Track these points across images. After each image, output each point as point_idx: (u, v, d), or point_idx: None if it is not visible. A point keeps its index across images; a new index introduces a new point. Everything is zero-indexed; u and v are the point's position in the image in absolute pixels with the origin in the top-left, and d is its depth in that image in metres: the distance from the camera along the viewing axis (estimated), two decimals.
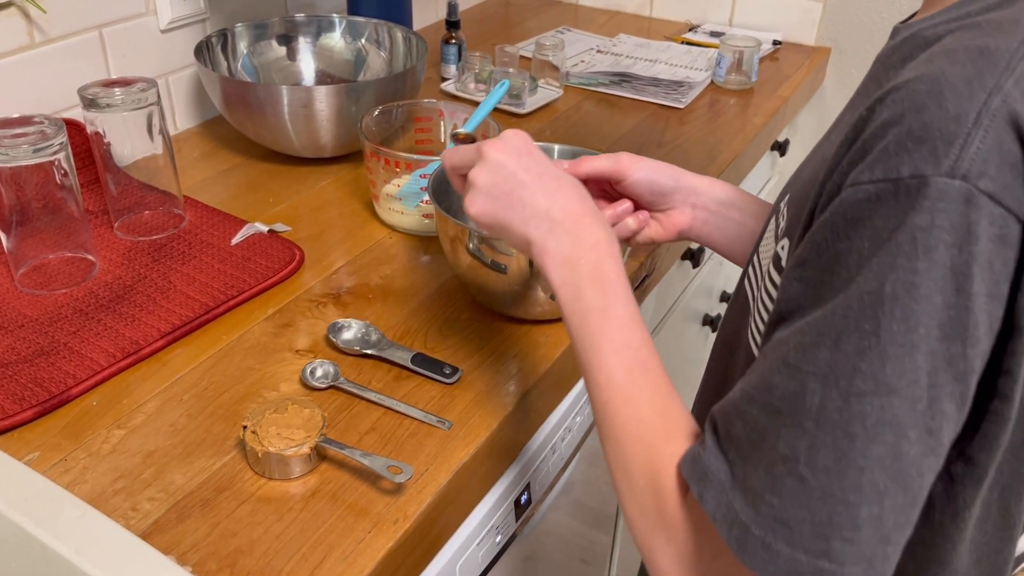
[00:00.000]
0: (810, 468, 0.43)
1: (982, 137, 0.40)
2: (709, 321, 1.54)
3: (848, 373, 0.42)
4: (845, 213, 0.43)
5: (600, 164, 0.77)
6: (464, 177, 0.69)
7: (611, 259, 0.61)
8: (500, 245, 0.82)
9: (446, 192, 0.92)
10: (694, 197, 0.78)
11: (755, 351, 0.59)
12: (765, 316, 0.56)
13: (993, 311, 0.42)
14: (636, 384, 0.56)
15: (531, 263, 0.81)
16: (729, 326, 0.69)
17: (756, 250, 0.64)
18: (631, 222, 0.78)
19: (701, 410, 0.74)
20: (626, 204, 0.77)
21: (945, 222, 0.40)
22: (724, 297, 1.61)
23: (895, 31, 0.56)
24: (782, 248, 0.55)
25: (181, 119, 1.25)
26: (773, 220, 0.61)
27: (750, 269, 0.65)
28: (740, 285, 0.68)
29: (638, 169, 0.76)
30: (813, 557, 0.43)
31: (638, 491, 0.54)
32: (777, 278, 0.55)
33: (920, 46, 0.49)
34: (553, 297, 0.82)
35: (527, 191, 0.62)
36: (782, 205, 0.60)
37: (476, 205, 0.64)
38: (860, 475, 0.42)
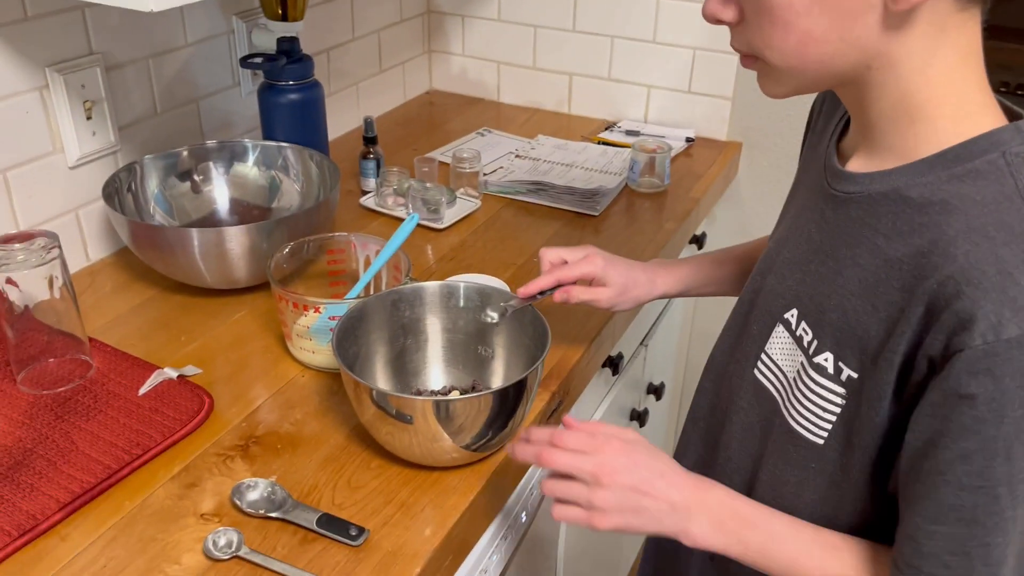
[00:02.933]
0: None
1: None
2: (636, 416, 1.56)
3: None
4: (968, 368, 0.57)
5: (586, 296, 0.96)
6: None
7: (736, 501, 0.73)
8: (405, 396, 0.82)
9: (353, 337, 0.92)
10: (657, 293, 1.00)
11: (807, 436, 0.72)
12: (809, 407, 0.71)
13: None
14: (843, 562, 0.69)
15: (436, 415, 0.82)
16: (737, 411, 0.80)
17: (765, 349, 0.76)
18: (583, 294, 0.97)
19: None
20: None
21: None
22: (651, 389, 1.63)
23: (846, 176, 0.68)
24: (825, 360, 0.69)
25: (94, 250, 1.24)
26: (783, 329, 0.74)
27: (761, 366, 0.77)
28: (754, 383, 0.78)
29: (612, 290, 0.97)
30: None
31: None
32: (823, 381, 0.69)
33: (911, 206, 0.63)
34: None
35: (647, 498, 0.72)
36: (789, 318, 0.73)
37: (607, 522, 0.72)
38: None
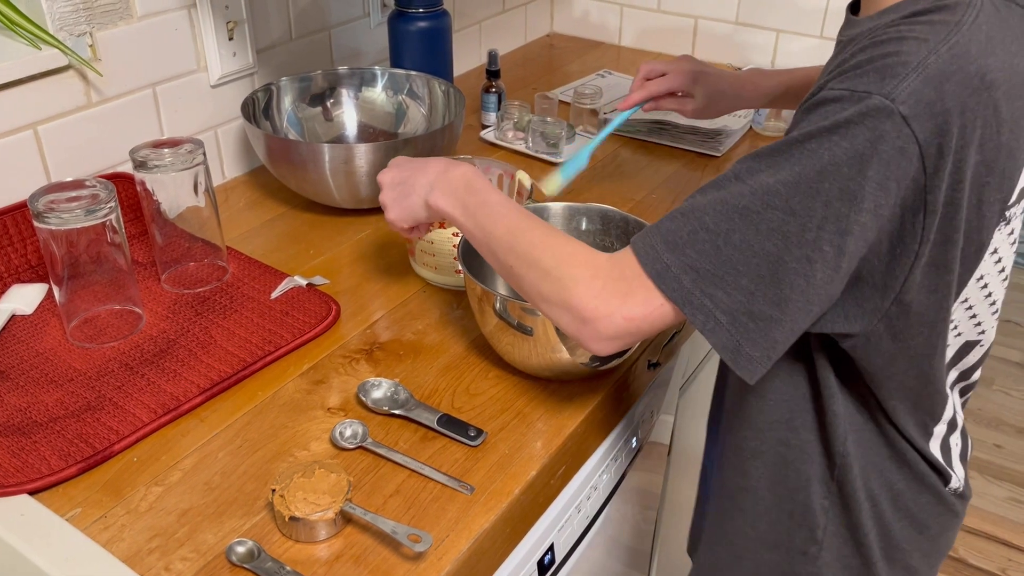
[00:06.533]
0: (725, 242, 0.63)
1: (915, 79, 0.59)
2: None
3: (772, 191, 0.62)
4: (815, 101, 0.63)
5: (636, 98, 1.11)
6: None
7: (476, 178, 0.81)
8: (527, 307, 0.83)
9: (476, 252, 0.94)
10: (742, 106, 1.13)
11: None
12: None
13: (880, 200, 0.61)
14: (533, 229, 0.74)
15: (557, 327, 0.83)
16: None
17: None
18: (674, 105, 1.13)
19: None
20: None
21: (870, 123, 0.59)
22: None
23: (851, 22, 0.73)
24: None
25: (229, 168, 1.30)
26: None
27: None
28: None
29: (660, 88, 1.10)
30: (705, 297, 0.64)
31: (554, 275, 0.71)
32: None
33: (875, 40, 0.64)
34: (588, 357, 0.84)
35: (410, 179, 0.85)
36: None
37: (394, 213, 0.87)
38: (750, 257, 0.63)
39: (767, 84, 1.11)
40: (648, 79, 1.10)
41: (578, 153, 1.08)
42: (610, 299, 0.68)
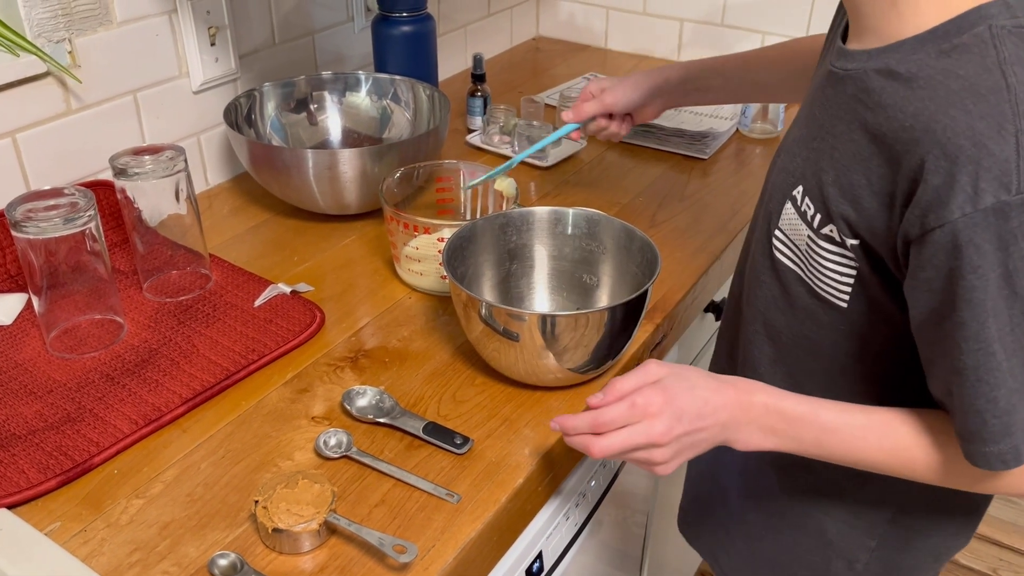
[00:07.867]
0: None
1: None
2: None
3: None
4: (952, 241, 0.60)
5: (591, 110, 1.08)
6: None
7: (780, 402, 0.73)
8: (513, 313, 0.83)
9: (461, 258, 0.93)
10: (660, 96, 1.09)
11: (832, 300, 0.74)
12: (827, 274, 0.73)
13: None
14: (897, 436, 0.71)
15: (543, 332, 0.82)
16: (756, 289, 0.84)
17: (778, 226, 0.78)
18: (614, 128, 1.11)
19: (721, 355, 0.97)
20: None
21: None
22: None
23: (846, 54, 0.70)
24: (830, 231, 0.71)
25: (213, 175, 1.29)
26: (790, 205, 0.76)
27: (776, 243, 0.79)
28: (771, 258, 0.80)
29: (618, 104, 1.08)
30: None
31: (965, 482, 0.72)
32: (834, 248, 0.71)
33: (899, 81, 0.64)
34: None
35: (700, 432, 0.72)
36: (796, 194, 0.75)
37: (671, 469, 0.73)
38: None
39: (681, 63, 1.10)
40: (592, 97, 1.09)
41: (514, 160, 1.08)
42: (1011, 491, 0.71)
